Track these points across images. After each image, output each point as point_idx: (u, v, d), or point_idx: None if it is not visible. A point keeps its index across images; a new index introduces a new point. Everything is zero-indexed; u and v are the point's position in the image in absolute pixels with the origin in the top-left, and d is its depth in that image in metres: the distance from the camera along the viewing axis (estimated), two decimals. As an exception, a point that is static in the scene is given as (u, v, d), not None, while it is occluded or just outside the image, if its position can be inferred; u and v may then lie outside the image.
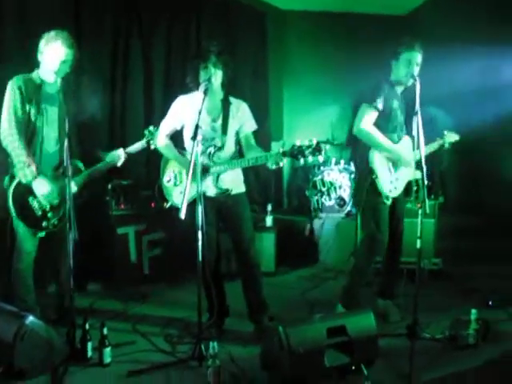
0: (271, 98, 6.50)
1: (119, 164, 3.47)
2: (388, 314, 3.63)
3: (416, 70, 3.39)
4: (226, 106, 3.29)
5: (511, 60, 4.57)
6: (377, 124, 3.40)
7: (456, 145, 3.80)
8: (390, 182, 3.49)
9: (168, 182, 3.41)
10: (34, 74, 3.21)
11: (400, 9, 6.53)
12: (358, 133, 3.43)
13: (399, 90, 3.56)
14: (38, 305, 3.37)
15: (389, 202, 3.50)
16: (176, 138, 3.43)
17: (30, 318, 2.66)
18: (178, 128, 3.36)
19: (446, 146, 3.73)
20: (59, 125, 3.27)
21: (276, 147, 6.32)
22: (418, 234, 3.04)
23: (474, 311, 3.20)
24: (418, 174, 3.14)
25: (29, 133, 3.16)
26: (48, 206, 3.25)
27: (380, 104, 3.37)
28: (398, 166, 3.52)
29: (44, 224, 3.26)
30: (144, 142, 3.52)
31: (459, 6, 5.46)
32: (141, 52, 5.10)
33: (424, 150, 3.06)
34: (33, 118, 3.14)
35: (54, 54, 3.11)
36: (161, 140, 3.38)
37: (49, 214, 3.27)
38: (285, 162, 2.91)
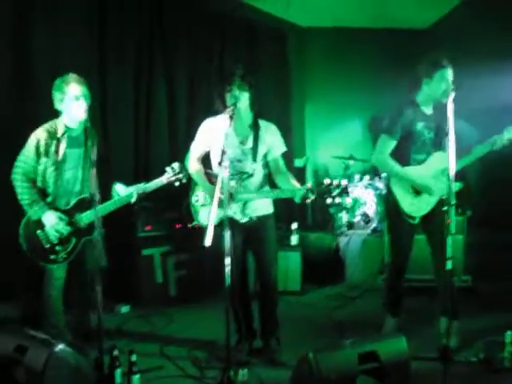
0: (294, 114, 6.52)
1: (132, 201, 3.36)
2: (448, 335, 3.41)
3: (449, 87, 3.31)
4: (255, 129, 3.30)
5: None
6: (400, 147, 3.48)
7: (484, 158, 3.70)
8: (411, 204, 3.48)
9: (196, 201, 3.43)
10: (59, 122, 3.27)
11: (418, 23, 6.49)
12: (375, 162, 3.62)
13: (427, 109, 3.50)
14: (67, 329, 3.39)
15: (415, 222, 3.48)
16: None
17: (60, 346, 2.66)
18: (208, 150, 3.38)
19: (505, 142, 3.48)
20: (83, 165, 3.34)
21: (299, 163, 6.36)
22: (449, 254, 2.97)
23: (509, 333, 3.11)
24: (455, 186, 3.09)
25: (47, 178, 3.25)
26: (56, 239, 3.25)
27: (397, 133, 3.45)
28: (422, 191, 3.49)
29: (52, 257, 3.26)
30: (164, 179, 3.34)
31: (479, 19, 5.41)
32: (164, 76, 5.16)
33: (454, 167, 2.97)
34: (53, 166, 3.23)
35: (75, 93, 3.16)
36: (192, 164, 3.40)
37: (57, 248, 3.27)
38: (312, 199, 2.90)
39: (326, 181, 2.85)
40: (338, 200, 2.79)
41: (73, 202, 3.32)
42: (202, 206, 3.40)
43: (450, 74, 3.37)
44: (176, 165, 3.32)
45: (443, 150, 3.32)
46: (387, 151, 3.47)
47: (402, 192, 3.51)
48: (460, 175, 3.32)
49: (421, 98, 3.49)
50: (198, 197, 3.42)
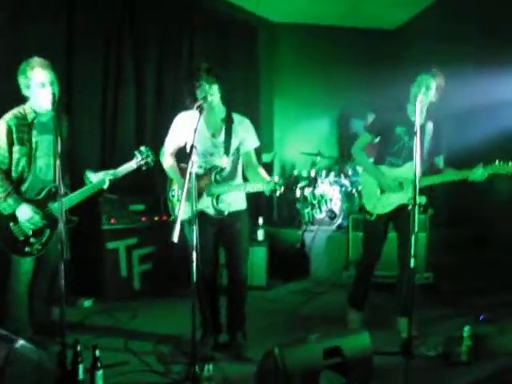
0: (262, 109, 6.51)
1: (105, 187, 3.34)
2: (402, 331, 3.56)
3: (428, 93, 3.41)
4: (228, 123, 3.30)
5: (503, 77, 4.60)
6: (379, 146, 3.75)
7: (447, 159, 3.79)
8: (377, 200, 3.62)
9: (173, 196, 3.41)
10: (27, 108, 3.18)
11: (388, 23, 6.59)
12: (353, 153, 3.82)
13: (413, 114, 3.33)
14: (30, 324, 3.31)
15: (371, 218, 3.64)
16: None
17: (20, 342, 2.60)
18: (182, 145, 3.35)
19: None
20: (54, 152, 3.23)
21: (267, 158, 6.37)
22: (412, 253, 3.04)
23: (466, 328, 3.21)
24: (420, 199, 3.25)
25: (20, 167, 3.17)
26: (30, 231, 3.18)
27: (374, 131, 3.70)
28: (385, 190, 3.61)
29: (27, 249, 3.19)
30: (133, 164, 3.36)
31: (446, 21, 5.52)
32: (133, 68, 5.07)
33: (419, 171, 3.02)
34: (24, 155, 3.15)
35: (41, 79, 3.07)
36: (166, 159, 3.38)
37: (31, 240, 3.20)
38: (281, 191, 2.91)
39: (295, 172, 2.88)
40: (306, 191, 2.80)
41: (45, 190, 3.23)
42: (178, 200, 3.36)
43: (427, 80, 3.42)
44: (143, 148, 3.36)
45: (422, 162, 3.34)
46: (363, 146, 3.76)
47: (367, 188, 3.73)
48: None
49: (410, 103, 3.55)
50: (175, 191, 3.40)
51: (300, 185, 2.86)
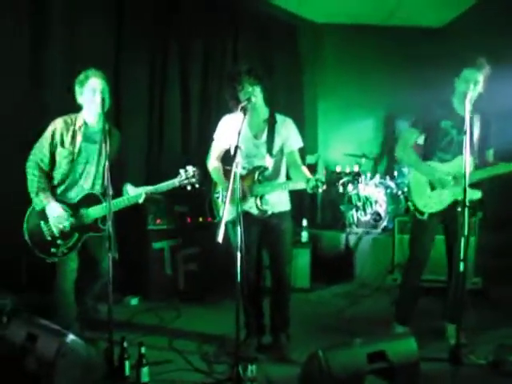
0: (306, 111, 6.50)
1: (141, 201, 3.33)
2: (450, 338, 3.46)
3: (477, 88, 3.27)
4: (271, 124, 3.30)
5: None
6: (426, 143, 3.60)
7: (496, 154, 3.64)
8: (428, 197, 3.48)
9: (217, 198, 3.44)
10: (79, 116, 3.31)
11: (433, 22, 6.44)
12: (398, 154, 3.70)
13: (462, 110, 3.21)
14: (77, 321, 3.41)
15: (423, 217, 3.48)
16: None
17: (71, 337, 2.69)
18: (227, 148, 3.38)
19: None
20: (97, 161, 3.35)
21: (311, 160, 6.34)
22: (461, 256, 2.96)
23: (519, 336, 3.09)
24: (474, 194, 3.23)
25: (61, 169, 3.27)
26: (57, 232, 3.26)
27: (418, 127, 3.54)
28: (436, 186, 3.48)
29: (53, 250, 3.26)
30: (176, 182, 3.30)
31: (492, 19, 5.35)
32: (177, 72, 5.16)
33: (469, 169, 2.94)
34: (65, 157, 3.25)
35: (93, 90, 3.19)
36: (212, 162, 3.43)
37: (58, 241, 3.27)
38: (324, 189, 2.88)
39: (337, 168, 2.84)
40: (350, 187, 2.76)
41: (80, 196, 3.32)
42: (223, 202, 3.39)
43: (474, 75, 3.28)
44: (190, 168, 3.29)
45: (473, 155, 3.28)
46: (410, 144, 3.58)
47: (417, 186, 3.56)
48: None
49: (455, 97, 3.44)
50: (219, 193, 3.43)
51: (342, 180, 2.80)
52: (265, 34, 5.99)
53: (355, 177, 2.77)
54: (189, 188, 3.33)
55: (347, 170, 2.76)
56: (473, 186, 3.20)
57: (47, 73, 4.16)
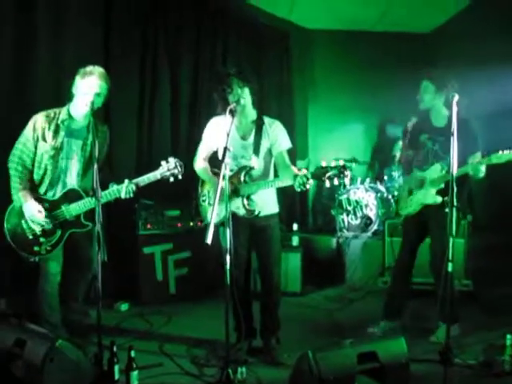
0: (296, 116, 6.50)
1: (122, 196, 3.21)
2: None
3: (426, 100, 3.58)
4: (258, 125, 3.32)
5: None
6: (409, 156, 3.81)
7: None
8: (404, 201, 3.78)
9: (204, 201, 3.43)
10: (64, 109, 3.26)
11: (423, 27, 6.50)
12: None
13: (437, 121, 3.64)
14: (63, 324, 3.38)
15: (399, 219, 3.95)
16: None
17: (60, 341, 2.66)
18: (215, 149, 3.37)
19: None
20: (81, 157, 3.32)
21: (301, 165, 6.34)
22: (450, 257, 2.97)
23: (509, 336, 3.09)
24: (436, 199, 3.50)
25: (43, 164, 3.23)
26: (39, 231, 3.22)
27: (403, 142, 3.91)
28: (414, 190, 3.70)
29: (36, 249, 3.22)
30: (157, 174, 3.14)
31: (482, 23, 5.40)
32: (167, 74, 5.16)
33: (455, 172, 2.97)
34: (46, 152, 3.21)
35: (88, 88, 3.14)
36: (199, 163, 3.42)
37: (41, 239, 3.23)
38: (311, 184, 2.88)
39: (323, 163, 2.83)
40: (336, 181, 2.76)
41: (61, 192, 3.28)
42: (210, 205, 3.38)
43: (425, 86, 3.59)
44: (172, 159, 3.13)
45: (443, 162, 3.49)
46: (399, 155, 4.16)
47: (401, 191, 3.93)
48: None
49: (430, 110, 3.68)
50: (206, 196, 3.42)
51: (328, 174, 2.80)
52: (255, 40, 6.01)
53: (341, 169, 2.75)
54: (171, 180, 3.14)
55: (333, 164, 2.70)
56: (439, 191, 3.49)
57: (33, 73, 4.10)
